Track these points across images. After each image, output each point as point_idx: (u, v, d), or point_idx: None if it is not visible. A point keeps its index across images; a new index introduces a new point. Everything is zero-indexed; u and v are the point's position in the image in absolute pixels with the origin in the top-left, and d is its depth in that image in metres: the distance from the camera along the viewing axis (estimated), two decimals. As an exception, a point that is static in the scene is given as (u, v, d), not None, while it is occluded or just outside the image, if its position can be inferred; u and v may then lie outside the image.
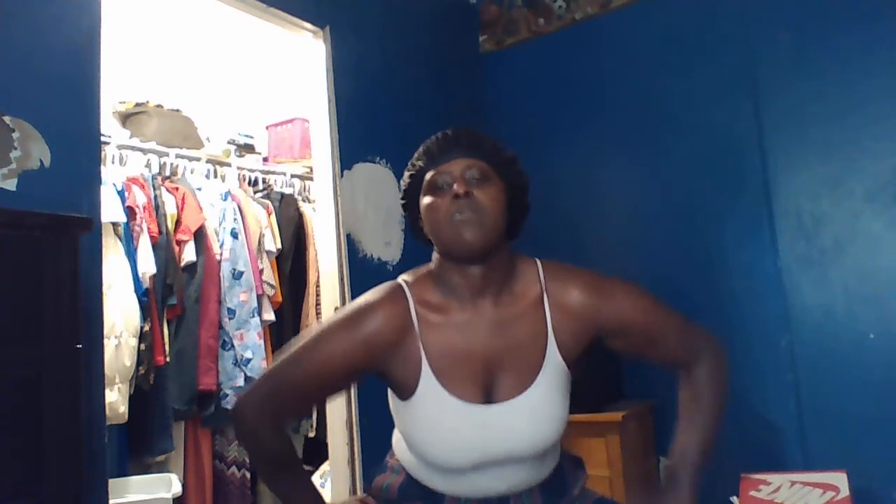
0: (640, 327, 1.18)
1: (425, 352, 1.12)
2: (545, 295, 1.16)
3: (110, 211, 2.27)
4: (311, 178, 2.99)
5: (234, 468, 2.73)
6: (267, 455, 1.18)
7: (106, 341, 2.06)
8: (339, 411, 2.31)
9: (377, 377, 1.19)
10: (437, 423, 1.11)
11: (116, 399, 2.25)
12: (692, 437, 1.18)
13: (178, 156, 2.81)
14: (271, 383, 1.16)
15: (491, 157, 1.16)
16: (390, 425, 1.27)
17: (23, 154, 1.54)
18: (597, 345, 1.20)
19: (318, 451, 2.85)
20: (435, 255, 1.19)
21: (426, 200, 1.15)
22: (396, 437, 1.26)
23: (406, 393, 1.14)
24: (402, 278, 1.20)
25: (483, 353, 1.13)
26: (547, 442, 1.13)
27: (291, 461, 1.19)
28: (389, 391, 1.20)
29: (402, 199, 1.23)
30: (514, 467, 1.14)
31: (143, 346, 2.37)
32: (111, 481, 1.76)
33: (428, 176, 1.16)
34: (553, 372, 1.14)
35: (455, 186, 1.11)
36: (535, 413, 1.11)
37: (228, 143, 3.17)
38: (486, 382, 1.12)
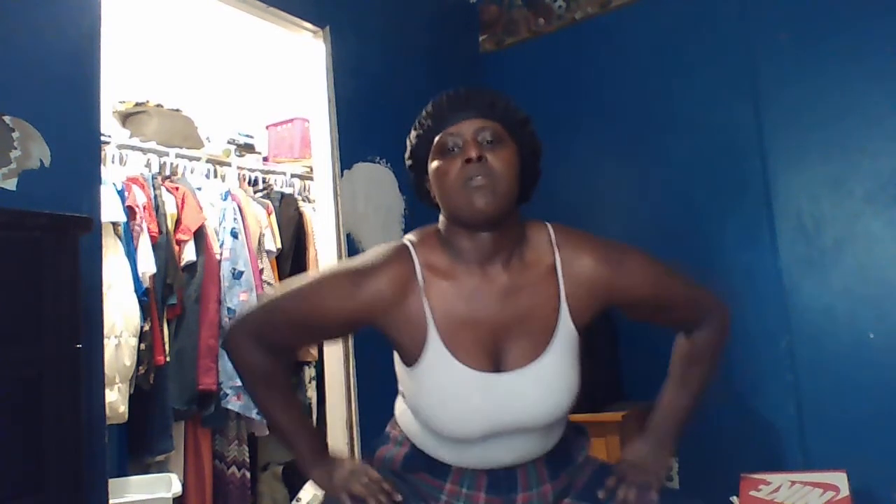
0: (651, 299, 1.17)
1: (432, 317, 1.08)
2: (558, 262, 1.12)
3: (110, 211, 2.27)
4: (311, 178, 2.99)
5: (234, 468, 2.72)
6: (254, 375, 1.18)
7: (106, 341, 2.06)
8: (339, 411, 2.31)
9: (382, 345, 1.16)
10: (444, 392, 1.08)
11: (116, 399, 2.25)
12: (682, 399, 1.23)
13: (178, 155, 2.80)
14: (265, 312, 1.16)
15: (504, 117, 1.11)
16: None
17: (23, 154, 1.54)
18: (603, 320, 1.19)
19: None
20: (442, 218, 1.14)
21: (435, 164, 1.10)
22: (400, 408, 1.22)
23: (411, 359, 1.10)
24: (409, 238, 1.15)
25: (492, 320, 1.09)
26: (559, 411, 1.10)
27: (278, 382, 1.19)
28: (396, 357, 1.16)
29: (408, 159, 1.17)
30: (523, 438, 1.11)
31: (143, 346, 2.37)
32: (111, 481, 1.76)
33: (437, 137, 1.10)
34: (565, 340, 1.10)
35: (467, 149, 1.06)
36: (546, 382, 1.09)
37: (228, 142, 3.16)
38: (494, 350, 1.09)
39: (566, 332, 1.11)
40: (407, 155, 1.18)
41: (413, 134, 1.15)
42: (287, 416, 1.20)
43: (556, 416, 1.11)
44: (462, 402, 1.07)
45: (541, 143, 1.16)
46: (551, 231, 1.16)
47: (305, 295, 1.13)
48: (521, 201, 1.15)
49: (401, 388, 1.19)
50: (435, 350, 1.08)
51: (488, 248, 1.09)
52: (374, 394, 2.29)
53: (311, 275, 1.16)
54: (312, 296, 1.12)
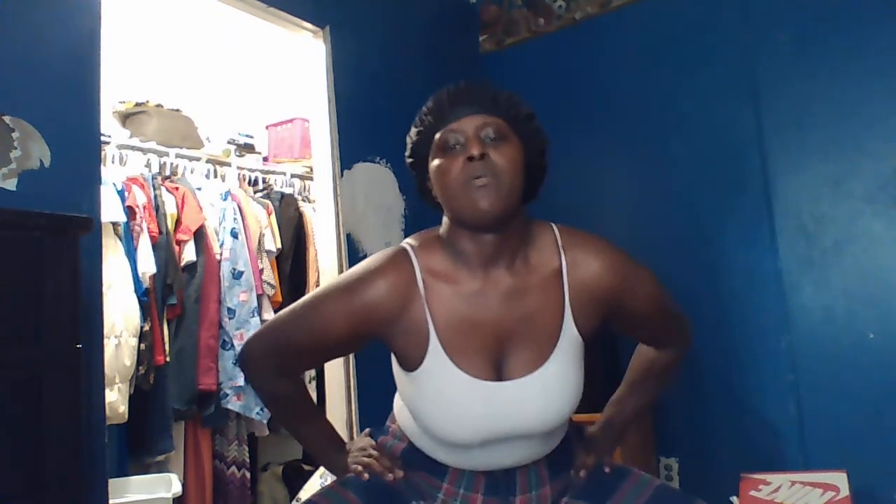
0: (646, 317, 1.18)
1: (433, 323, 1.05)
2: (564, 266, 1.09)
3: (110, 211, 2.27)
4: (311, 178, 2.99)
5: (234, 468, 2.72)
6: (276, 399, 1.21)
7: (106, 341, 2.06)
8: (339, 410, 2.31)
9: (382, 344, 1.13)
10: (444, 400, 1.05)
11: (116, 399, 2.25)
12: (635, 400, 1.31)
13: (178, 156, 2.80)
14: (273, 336, 1.14)
15: (508, 113, 1.06)
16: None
17: (23, 154, 1.54)
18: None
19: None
20: (444, 220, 1.10)
21: (436, 162, 1.06)
22: (399, 405, 1.21)
23: (411, 365, 1.07)
24: (408, 242, 1.12)
25: (494, 324, 1.06)
26: (560, 418, 1.09)
27: (302, 404, 1.22)
28: (394, 359, 1.15)
29: (409, 157, 1.13)
30: (523, 443, 1.10)
31: (143, 346, 2.37)
32: (111, 481, 1.76)
33: (438, 134, 1.06)
34: (569, 345, 1.08)
35: (469, 147, 1.02)
36: (549, 390, 1.06)
37: (228, 143, 3.17)
38: (497, 356, 1.07)
39: (570, 338, 1.08)
40: (407, 153, 1.13)
41: (413, 131, 1.11)
42: (308, 431, 1.25)
43: (558, 423, 1.10)
44: (462, 409, 1.05)
45: (546, 138, 1.12)
46: (557, 232, 1.12)
47: (305, 316, 1.11)
48: (528, 200, 1.11)
49: (399, 391, 1.17)
50: (436, 357, 1.05)
51: (492, 250, 1.06)
52: (374, 394, 2.29)
53: (308, 295, 1.14)
54: (312, 316, 1.10)
